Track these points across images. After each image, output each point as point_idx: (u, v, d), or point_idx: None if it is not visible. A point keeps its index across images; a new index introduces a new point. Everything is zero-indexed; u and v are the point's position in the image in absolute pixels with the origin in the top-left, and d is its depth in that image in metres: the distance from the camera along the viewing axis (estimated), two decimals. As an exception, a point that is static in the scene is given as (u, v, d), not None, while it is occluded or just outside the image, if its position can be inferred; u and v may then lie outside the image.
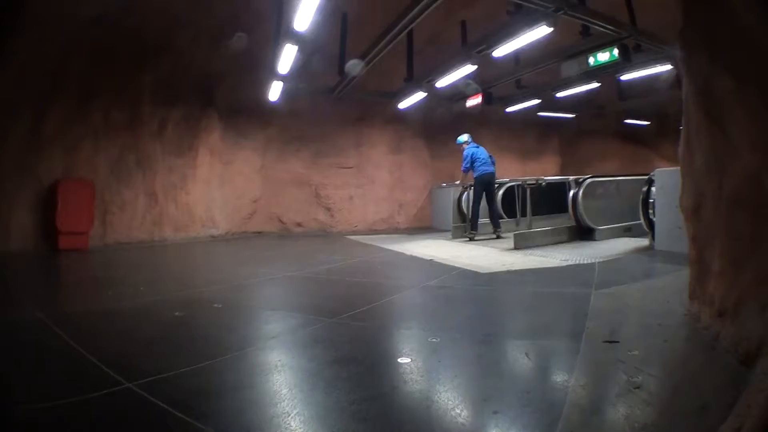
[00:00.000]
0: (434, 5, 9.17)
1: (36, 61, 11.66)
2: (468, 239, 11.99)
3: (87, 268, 10.16)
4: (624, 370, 2.83)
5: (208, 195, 15.11)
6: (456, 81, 13.41)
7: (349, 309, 5.26)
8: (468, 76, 13.21)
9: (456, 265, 7.83)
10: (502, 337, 3.96)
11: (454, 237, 13.02)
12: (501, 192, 15.10)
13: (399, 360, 3.45)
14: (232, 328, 4.73)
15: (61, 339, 4.22)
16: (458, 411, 2.69)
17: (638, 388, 2.57)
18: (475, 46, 11.46)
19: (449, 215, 14.51)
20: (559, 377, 2.90)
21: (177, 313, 5.34)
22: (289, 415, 2.72)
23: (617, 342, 3.26)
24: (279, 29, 11.71)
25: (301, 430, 2.59)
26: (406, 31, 10.57)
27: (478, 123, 18.48)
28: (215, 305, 5.69)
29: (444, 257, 8.86)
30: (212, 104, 14.88)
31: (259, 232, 16.17)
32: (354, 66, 12.64)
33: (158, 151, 14.11)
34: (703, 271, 3.59)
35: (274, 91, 13.57)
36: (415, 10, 9.36)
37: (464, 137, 13.06)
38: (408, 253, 10.09)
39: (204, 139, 15.04)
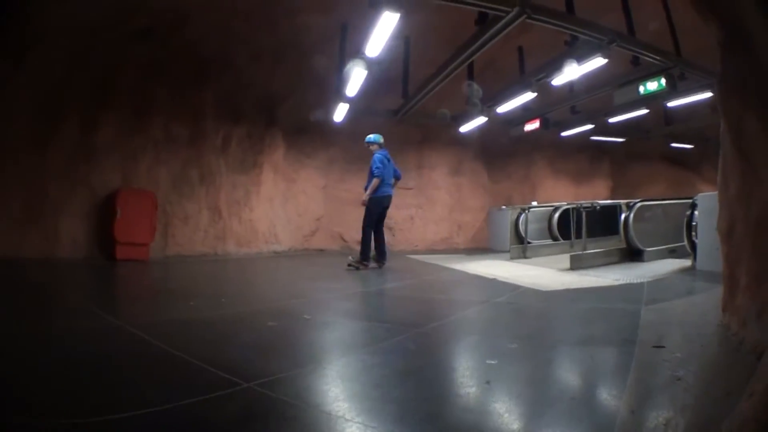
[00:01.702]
0: (496, 39, 9.93)
1: (79, 69, 12.13)
2: (374, 267, 11.22)
3: (155, 278, 10.73)
4: (668, 367, 3.49)
5: (271, 212, 15.70)
6: (517, 107, 14.38)
7: (430, 321, 5.79)
8: (526, 104, 14.01)
9: (518, 283, 8.38)
10: (568, 344, 4.52)
11: (513, 258, 13.43)
12: (557, 215, 15.56)
13: (487, 361, 3.90)
14: (328, 337, 5.26)
15: (155, 346, 4.44)
16: (553, 391, 3.38)
17: (679, 379, 3.24)
18: (535, 74, 12.37)
19: (506, 236, 15.07)
20: (619, 372, 3.49)
21: (270, 323, 5.68)
22: (401, 401, 3.13)
23: (663, 347, 3.93)
24: (343, 51, 12.75)
25: (407, 410, 3.00)
26: (468, 62, 11.37)
27: (533, 147, 19.69)
28: (305, 316, 6.07)
29: (506, 276, 9.37)
30: (275, 122, 15.50)
31: (322, 250, 16.67)
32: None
33: (222, 167, 14.70)
34: (734, 287, 4.30)
35: (339, 113, 14.17)
36: (478, 43, 10.15)
37: (377, 137, 11.71)
38: (471, 272, 10.51)
39: (268, 156, 15.64)
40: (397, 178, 11.87)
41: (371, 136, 11.71)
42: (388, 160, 11.43)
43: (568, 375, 3.74)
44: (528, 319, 5.92)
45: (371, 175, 11.20)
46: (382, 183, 11.15)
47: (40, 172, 11.98)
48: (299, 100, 15.20)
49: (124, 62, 12.73)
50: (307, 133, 16.36)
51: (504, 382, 3.49)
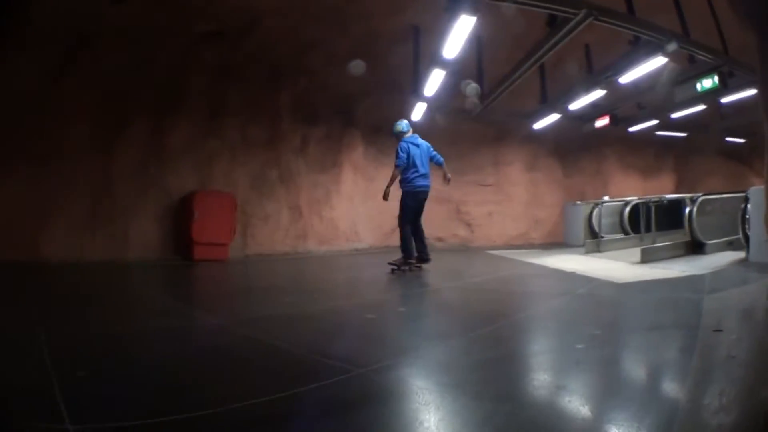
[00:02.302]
0: (566, 39, 10.60)
1: (145, 71, 12.46)
2: (418, 267, 10.09)
3: (242, 277, 11.17)
4: (725, 347, 3.99)
5: (352, 210, 16.29)
6: (586, 104, 14.95)
7: (517, 312, 6.34)
8: (595, 100, 14.48)
9: (595, 276, 8.82)
10: (643, 329, 4.95)
11: (587, 252, 13.81)
12: (628, 209, 15.92)
13: (576, 346, 4.27)
14: (424, 327, 5.59)
15: (263, 341, 4.62)
16: (634, 368, 3.91)
17: (733, 357, 3.74)
18: (602, 72, 12.91)
19: (581, 231, 15.73)
20: (686, 352, 3.87)
21: (368, 316, 6.00)
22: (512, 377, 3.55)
23: (721, 330, 4.43)
24: (416, 52, 13.22)
25: (513, 388, 3.30)
26: (540, 62, 12.10)
27: (603, 142, 20.00)
28: (400, 309, 6.61)
29: (583, 270, 9.85)
30: (353, 123, 16.09)
31: None
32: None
33: (302, 167, 15.28)
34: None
35: (417, 112, 14.43)
36: (549, 44, 10.91)
37: (400, 125, 10.44)
38: (550, 266, 10.97)
39: (347, 155, 16.28)
40: (438, 163, 10.43)
41: (398, 125, 10.43)
42: (417, 146, 10.10)
43: (645, 355, 4.17)
44: (607, 309, 6.43)
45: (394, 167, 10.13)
46: (416, 175, 9.96)
47: (106, 175, 12.30)
48: (375, 100, 15.72)
49: (193, 65, 13.19)
50: (384, 132, 15.82)
51: (592, 363, 3.90)
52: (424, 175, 10.06)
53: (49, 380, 3.21)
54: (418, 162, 9.91)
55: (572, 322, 5.57)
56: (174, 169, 13.23)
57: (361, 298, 7.59)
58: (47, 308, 6.19)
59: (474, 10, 9.02)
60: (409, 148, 9.93)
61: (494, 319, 5.69)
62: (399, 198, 9.86)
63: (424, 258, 10.21)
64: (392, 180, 10.11)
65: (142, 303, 7.46)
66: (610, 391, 3.30)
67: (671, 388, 3.28)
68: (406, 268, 9.80)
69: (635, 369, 3.90)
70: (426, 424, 2.69)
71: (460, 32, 9.90)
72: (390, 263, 9.85)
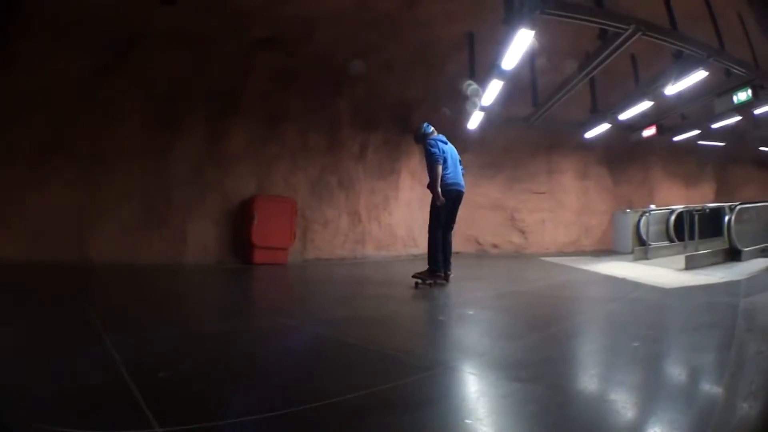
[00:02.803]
0: (617, 53, 11.31)
1: (201, 76, 12.88)
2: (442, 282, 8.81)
3: (305, 281, 11.37)
4: (756, 344, 4.58)
5: (409, 216, 16.70)
6: (634, 114, 15.56)
7: (576, 315, 7.00)
8: (643, 112, 15.20)
9: (644, 282, 9.46)
10: (689, 329, 5.53)
11: (636, 259, 14.41)
12: (673, 217, 16.31)
13: (632, 344, 4.81)
14: (492, 328, 5.93)
15: (339, 340, 4.85)
16: (682, 361, 4.42)
17: (762, 353, 4.28)
18: (648, 84, 13.54)
19: (629, 238, 16.16)
20: (723, 348, 4.33)
21: (440, 318, 6.65)
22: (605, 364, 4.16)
23: (752, 330, 5.12)
24: (472, 60, 13.70)
25: (581, 376, 3.90)
26: (591, 75, 12.70)
27: (649, 151, 20.54)
28: (469, 312, 6.96)
29: (633, 276, 10.43)
30: (410, 129, 14.69)
31: (457, 252, 15.52)
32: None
33: (360, 173, 15.77)
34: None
35: (474, 121, 14.94)
36: (601, 57, 11.62)
37: (427, 126, 9.36)
38: (602, 273, 11.60)
39: (405, 162, 16.83)
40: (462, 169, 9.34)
41: (423, 128, 9.25)
42: (446, 144, 9.07)
43: (690, 351, 4.61)
44: (656, 312, 6.99)
45: (430, 166, 8.82)
46: (449, 172, 8.84)
47: (162, 178, 12.55)
48: (431, 107, 15.90)
49: (250, 71, 13.62)
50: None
51: (647, 358, 4.40)
52: (459, 174, 9.09)
53: (129, 382, 3.33)
54: (450, 160, 8.90)
55: (627, 324, 6.15)
56: (232, 173, 13.63)
57: (428, 302, 7.78)
58: (120, 309, 6.56)
59: (533, 25, 9.57)
60: (439, 144, 8.84)
61: (557, 321, 6.34)
62: (429, 201, 8.89)
63: (445, 273, 8.88)
64: (437, 177, 8.65)
65: (214, 305, 7.91)
66: (663, 379, 3.87)
67: (711, 377, 3.79)
68: (431, 281, 8.52)
69: (682, 362, 4.44)
70: (509, 410, 3.16)
71: (518, 45, 10.42)
72: (414, 276, 8.51)
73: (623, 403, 3.23)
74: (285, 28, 12.98)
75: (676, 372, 4.18)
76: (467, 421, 2.89)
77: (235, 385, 3.50)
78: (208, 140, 13.24)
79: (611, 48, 11.19)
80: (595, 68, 12.38)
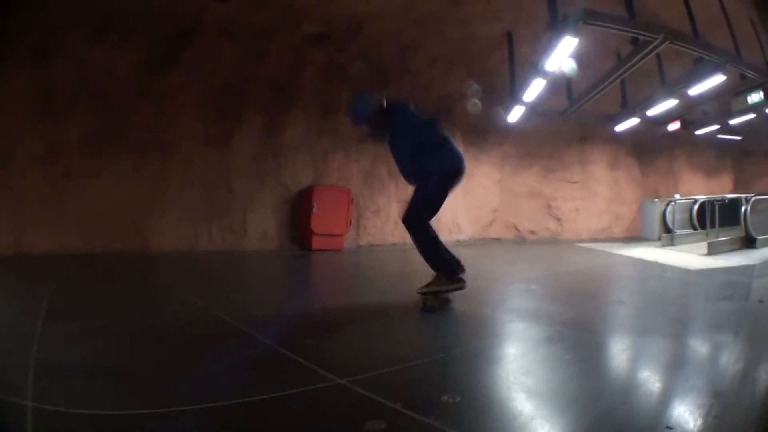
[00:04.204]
0: (647, 58, 12.43)
1: (256, 71, 13.47)
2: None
3: (373, 264, 12.10)
4: (765, 312, 5.79)
5: (454, 204, 16.76)
6: (660, 110, 16.52)
7: (621, 290, 8.44)
8: (669, 109, 16.26)
9: (672, 265, 10.78)
10: (713, 300, 7.00)
11: (663, 245, 15.56)
12: (696, 206, 17.98)
13: (669, 308, 6.09)
14: (566, 299, 6.98)
15: (443, 310, 5.70)
16: (709, 320, 5.55)
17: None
18: (673, 83, 14.72)
19: (656, 226, 17.21)
20: (741, 314, 5.71)
21: (533, 287, 7.92)
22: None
23: (763, 302, 6.28)
24: (512, 57, 14.97)
25: (640, 331, 5.06)
26: (623, 76, 13.89)
27: (674, 144, 21.39)
28: (532, 287, 7.99)
29: (662, 260, 11.72)
30: (454, 123, 16.46)
31: (498, 239, 18.28)
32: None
33: None
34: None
35: (514, 114, 16.36)
36: (633, 61, 12.79)
37: (361, 99, 6.64)
38: (634, 257, 12.71)
39: None
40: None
41: (355, 101, 6.62)
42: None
43: (714, 314, 5.92)
44: (685, 287, 8.42)
45: (398, 142, 6.27)
46: (452, 146, 6.37)
47: (221, 168, 13.15)
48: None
49: (303, 65, 14.33)
50: (481, 131, 17.81)
51: (683, 319, 5.64)
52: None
53: (282, 349, 4.00)
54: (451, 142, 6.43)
55: (663, 295, 7.59)
56: (290, 163, 14.41)
57: (491, 281, 8.71)
58: (228, 294, 7.14)
59: (576, 33, 10.57)
60: (405, 110, 6.41)
61: (605, 293, 7.96)
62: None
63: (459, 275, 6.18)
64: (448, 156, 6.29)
65: (310, 286, 8.92)
66: (693, 331, 5.15)
67: (731, 330, 4.86)
68: (455, 286, 6.01)
69: (708, 320, 5.62)
70: (598, 354, 4.30)
71: (562, 50, 11.44)
72: (421, 291, 5.98)
73: (664, 344, 4.56)
74: (335, 24, 13.67)
75: (703, 326, 5.41)
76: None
77: (376, 343, 4.46)
78: (266, 132, 13.91)
79: (642, 54, 12.19)
80: (627, 70, 13.34)
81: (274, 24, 13.00)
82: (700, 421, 2.63)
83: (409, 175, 6.32)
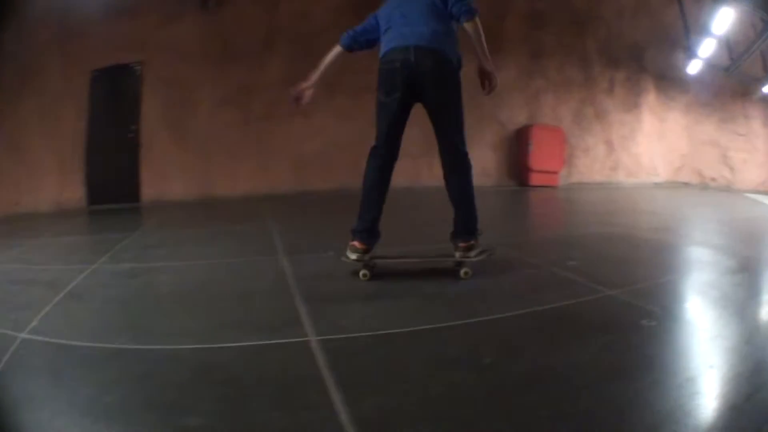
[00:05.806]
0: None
1: None
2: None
3: (594, 200, 12.63)
4: None
5: (650, 147, 17.53)
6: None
7: None
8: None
9: None
10: None
11: None
12: None
13: None
14: (695, 253, 6.70)
15: (651, 239, 6.64)
16: None
17: None
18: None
19: None
20: None
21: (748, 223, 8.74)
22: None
23: None
24: (683, 13, 15.55)
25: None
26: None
27: None
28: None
29: None
30: (645, 69, 17.19)
31: (686, 183, 18.09)
32: None
33: (610, 106, 16.82)
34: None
35: (693, 67, 16.68)
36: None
37: None
38: None
39: (644, 98, 17.47)
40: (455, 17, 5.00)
41: None
42: None
43: None
44: None
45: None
46: (392, 35, 5.03)
47: None
48: (657, 51, 17.22)
49: (507, 12, 14.94)
50: (668, 79, 17.69)
51: None
52: (407, 31, 4.94)
53: (555, 269, 5.05)
54: (398, 15, 5.04)
55: None
56: (506, 104, 15.03)
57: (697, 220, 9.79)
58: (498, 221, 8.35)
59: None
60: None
61: None
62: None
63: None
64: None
65: (542, 218, 10.23)
66: None
67: None
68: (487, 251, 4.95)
69: None
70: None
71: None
72: (475, 258, 4.89)
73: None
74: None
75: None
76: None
77: (626, 264, 5.42)
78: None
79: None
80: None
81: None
82: None
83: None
